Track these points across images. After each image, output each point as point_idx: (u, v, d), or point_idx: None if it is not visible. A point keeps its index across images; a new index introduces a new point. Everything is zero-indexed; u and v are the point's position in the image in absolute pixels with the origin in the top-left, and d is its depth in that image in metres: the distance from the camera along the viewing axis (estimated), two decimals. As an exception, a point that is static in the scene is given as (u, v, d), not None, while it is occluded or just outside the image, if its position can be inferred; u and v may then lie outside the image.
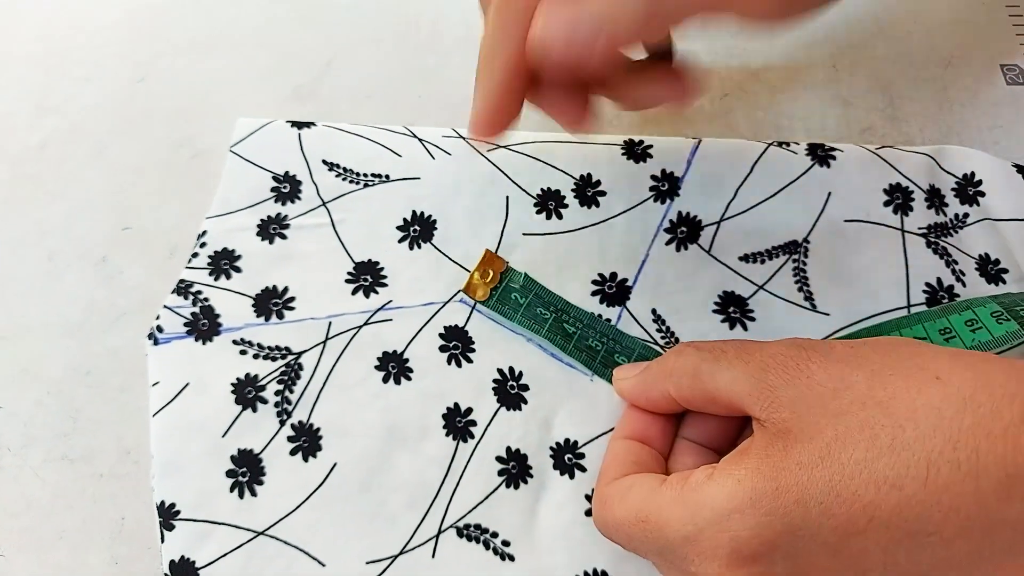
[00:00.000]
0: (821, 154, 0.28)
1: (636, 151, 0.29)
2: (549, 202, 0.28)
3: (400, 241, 0.27)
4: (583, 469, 0.25)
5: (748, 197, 0.28)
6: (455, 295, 0.27)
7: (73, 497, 0.25)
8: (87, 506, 0.25)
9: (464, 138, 0.29)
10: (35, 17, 0.32)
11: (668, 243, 0.27)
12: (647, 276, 0.27)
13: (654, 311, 0.26)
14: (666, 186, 0.28)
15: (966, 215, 0.28)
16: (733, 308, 0.26)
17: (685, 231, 0.27)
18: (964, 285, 0.27)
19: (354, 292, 0.27)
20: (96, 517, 0.25)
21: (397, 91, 0.31)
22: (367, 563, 0.23)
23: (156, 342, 0.26)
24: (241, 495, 0.24)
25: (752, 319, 0.26)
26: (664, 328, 0.26)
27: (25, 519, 0.25)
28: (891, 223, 0.27)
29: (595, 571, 0.23)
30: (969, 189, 0.28)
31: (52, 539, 0.25)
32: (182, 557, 0.23)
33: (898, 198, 0.28)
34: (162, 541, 0.23)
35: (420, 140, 0.29)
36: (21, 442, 0.26)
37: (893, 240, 0.27)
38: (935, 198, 0.28)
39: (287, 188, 0.28)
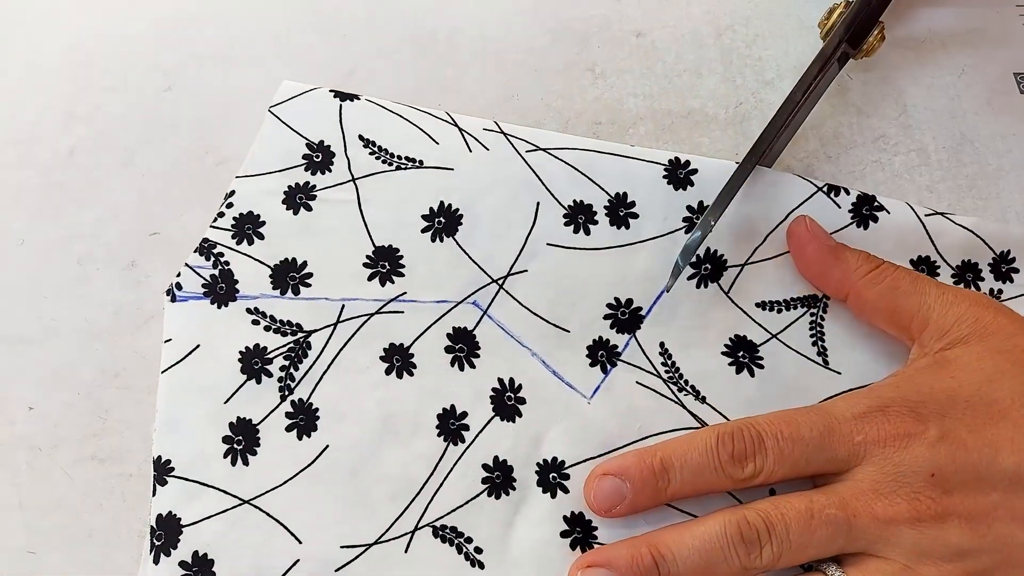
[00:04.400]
0: (866, 212, 0.28)
1: (679, 175, 0.28)
2: (579, 216, 0.28)
3: (423, 231, 0.28)
4: (565, 490, 0.25)
5: (777, 244, 0.27)
6: (468, 297, 0.27)
7: (102, 496, 0.26)
8: (116, 505, 0.25)
9: (504, 133, 0.29)
10: (64, 29, 0.33)
11: (690, 278, 0.27)
12: (662, 307, 0.27)
13: (662, 344, 0.26)
14: (699, 218, 0.28)
15: (1000, 291, 0.28)
16: (743, 353, 0.26)
17: (709, 268, 0.27)
18: None
19: (370, 278, 0.27)
20: (125, 516, 0.25)
21: (415, 100, 0.31)
22: (341, 547, 0.24)
23: (174, 299, 0.27)
24: (234, 462, 0.25)
25: (761, 367, 0.26)
26: (669, 363, 0.26)
27: (56, 518, 0.25)
28: None
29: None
30: (1003, 266, 0.28)
31: (82, 537, 0.25)
32: (169, 512, 0.24)
33: (923, 269, 0.27)
34: (153, 494, 0.24)
35: (460, 129, 0.29)
36: (52, 442, 0.26)
37: None
38: (968, 272, 0.28)
39: (319, 158, 0.28)
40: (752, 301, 0.27)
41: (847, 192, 0.28)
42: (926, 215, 0.28)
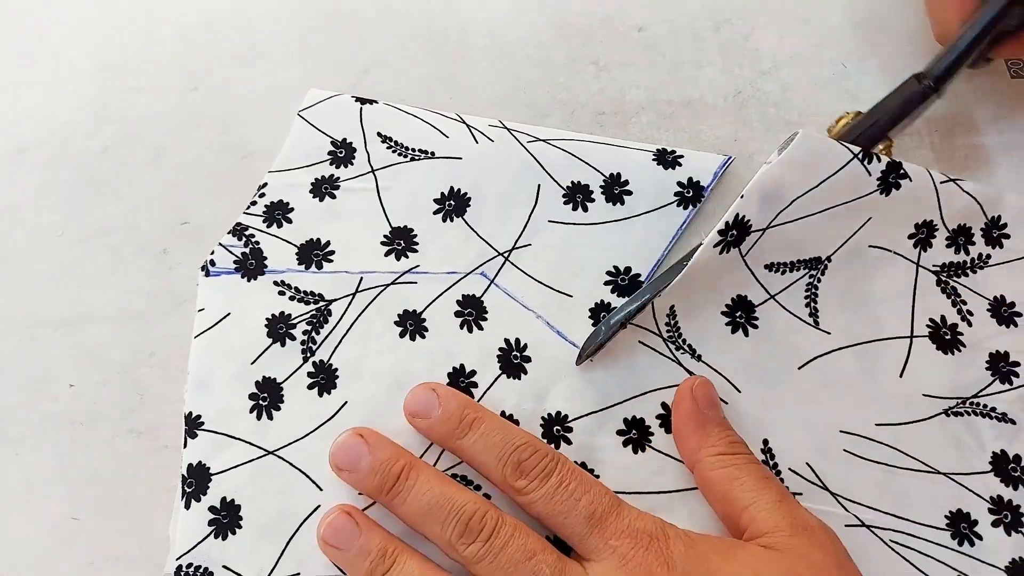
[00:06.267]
0: (892, 180, 0.28)
1: (667, 159, 0.31)
2: (577, 195, 0.30)
3: (435, 213, 0.30)
4: (569, 442, 0.26)
5: (801, 208, 0.27)
6: (476, 268, 0.29)
7: (140, 467, 0.27)
8: (152, 475, 0.27)
9: (508, 128, 0.31)
10: (95, 32, 0.35)
11: (715, 245, 0.26)
12: (684, 276, 0.26)
13: (672, 308, 0.27)
14: (691, 193, 0.30)
15: (988, 256, 0.29)
16: (740, 313, 0.28)
17: (735, 235, 0.27)
18: (970, 325, 0.28)
19: (387, 254, 0.29)
20: (161, 485, 0.27)
21: (428, 96, 0.33)
22: (359, 494, 0.25)
23: (208, 273, 0.29)
24: (259, 417, 0.27)
25: (755, 327, 0.28)
26: (672, 323, 0.27)
27: (96, 487, 0.27)
28: (910, 256, 0.28)
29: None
30: (994, 231, 0.29)
31: (120, 505, 0.27)
32: (199, 462, 0.26)
33: (923, 233, 0.29)
34: (184, 446, 0.26)
35: (468, 126, 0.31)
36: (92, 418, 0.28)
37: (907, 273, 0.28)
38: (961, 236, 0.29)
39: (342, 153, 0.31)
40: (762, 263, 0.28)
41: (879, 159, 0.27)
42: (941, 182, 0.28)
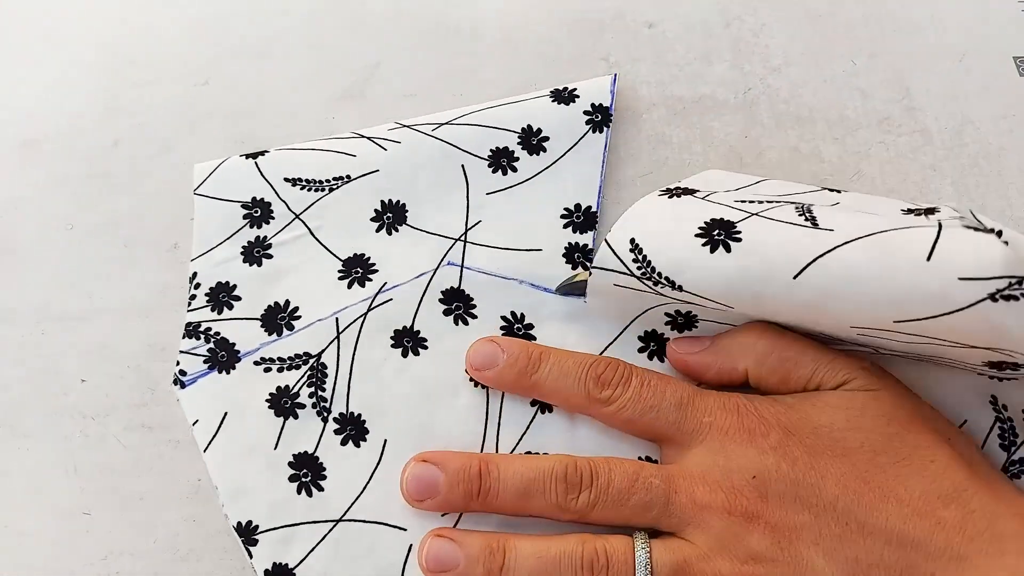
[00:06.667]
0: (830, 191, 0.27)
1: (564, 96, 0.31)
2: (501, 159, 0.30)
3: (378, 230, 0.29)
4: None
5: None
6: (442, 260, 0.29)
7: (152, 461, 0.27)
8: (165, 469, 0.27)
9: (406, 126, 0.31)
10: (104, 25, 0.35)
11: (661, 195, 0.26)
12: (629, 213, 0.25)
13: (632, 240, 0.25)
14: (599, 117, 0.31)
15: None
16: (718, 231, 0.23)
17: (680, 190, 0.26)
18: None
19: (349, 286, 0.28)
20: (173, 479, 0.27)
21: (439, 91, 0.33)
22: (442, 515, 0.25)
23: (183, 385, 0.27)
24: (309, 494, 0.26)
25: (738, 240, 0.23)
26: (641, 258, 0.24)
27: (108, 481, 0.27)
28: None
29: (640, 459, 0.26)
30: None
31: (133, 499, 0.27)
32: (274, 564, 0.25)
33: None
34: (251, 557, 0.25)
35: (368, 138, 0.31)
36: (104, 411, 0.28)
37: None
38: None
39: (258, 212, 0.29)
40: (733, 199, 0.25)
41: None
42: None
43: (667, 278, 0.24)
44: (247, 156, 0.30)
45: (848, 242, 0.22)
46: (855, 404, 0.23)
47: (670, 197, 0.26)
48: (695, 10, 0.34)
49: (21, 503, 0.27)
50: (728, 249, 0.23)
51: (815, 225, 0.22)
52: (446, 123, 0.31)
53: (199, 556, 0.26)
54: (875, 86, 0.33)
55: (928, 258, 0.21)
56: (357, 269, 0.29)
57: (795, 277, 0.22)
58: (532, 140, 0.30)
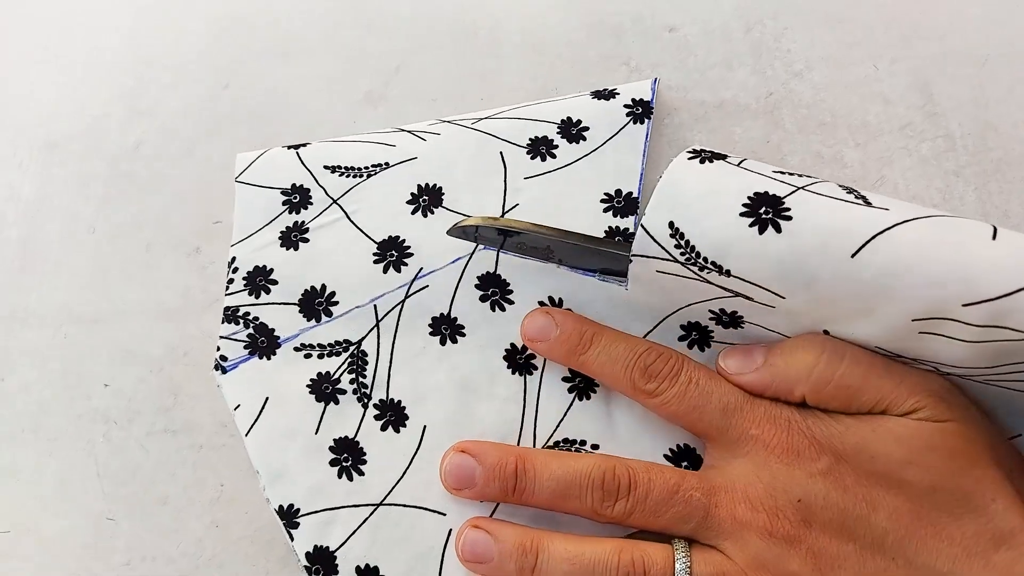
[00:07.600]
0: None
1: (604, 94, 0.31)
2: (540, 147, 0.30)
3: (413, 213, 0.29)
4: None
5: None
6: (477, 244, 0.28)
7: (175, 466, 0.27)
8: (188, 474, 0.27)
9: (447, 121, 0.31)
10: (127, 28, 0.35)
11: (691, 158, 0.24)
12: (662, 190, 0.23)
13: (671, 224, 0.23)
14: (640, 109, 0.31)
15: None
16: (765, 209, 0.21)
17: (710, 154, 0.24)
18: None
19: (385, 269, 0.28)
20: (197, 484, 0.27)
21: (460, 94, 0.33)
22: (480, 501, 0.25)
23: (224, 371, 0.27)
24: (350, 478, 0.26)
25: (788, 218, 0.21)
26: (683, 242, 0.23)
27: (132, 486, 0.27)
28: None
29: (679, 447, 0.26)
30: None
31: (156, 504, 0.27)
32: (315, 546, 0.25)
33: None
34: (292, 540, 0.25)
35: (409, 132, 0.31)
36: (127, 416, 0.28)
37: None
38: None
39: (297, 198, 0.29)
40: (771, 169, 0.23)
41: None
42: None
43: (713, 262, 0.22)
44: (289, 147, 0.31)
45: (907, 221, 0.20)
46: (920, 436, 0.21)
47: (701, 161, 0.23)
48: (716, 14, 0.34)
49: (45, 508, 0.27)
50: (778, 229, 0.21)
51: (868, 204, 0.21)
52: (485, 117, 0.31)
53: (221, 562, 0.26)
54: (897, 91, 0.32)
55: (993, 237, 0.20)
56: (392, 252, 0.28)
57: (853, 256, 0.20)
58: (572, 130, 0.30)
